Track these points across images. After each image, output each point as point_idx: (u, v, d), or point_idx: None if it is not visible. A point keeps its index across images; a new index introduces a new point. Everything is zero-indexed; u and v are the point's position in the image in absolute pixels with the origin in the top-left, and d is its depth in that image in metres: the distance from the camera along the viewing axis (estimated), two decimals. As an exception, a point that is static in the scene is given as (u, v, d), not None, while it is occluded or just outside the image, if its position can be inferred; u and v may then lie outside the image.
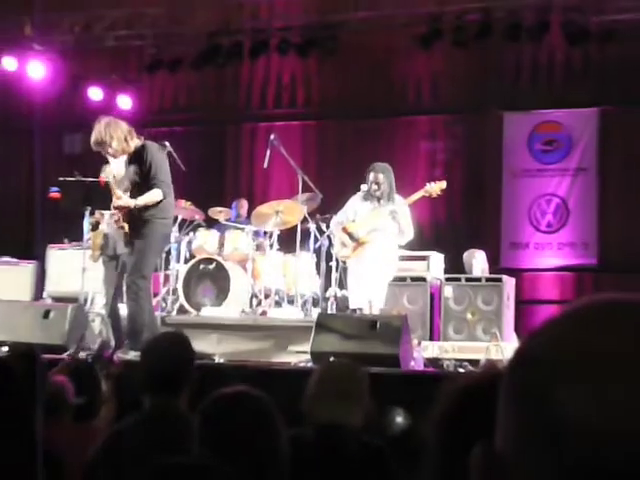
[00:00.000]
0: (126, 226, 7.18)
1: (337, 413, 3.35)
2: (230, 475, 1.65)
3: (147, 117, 12.49)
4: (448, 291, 9.07)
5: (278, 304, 9.14)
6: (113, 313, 7.66)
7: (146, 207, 7.10)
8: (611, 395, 0.69)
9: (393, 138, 12.19)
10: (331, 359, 5.78)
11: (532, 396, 0.72)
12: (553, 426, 0.70)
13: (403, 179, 8.75)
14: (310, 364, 7.04)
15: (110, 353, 7.01)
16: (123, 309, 7.52)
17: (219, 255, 9.26)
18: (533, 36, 10.54)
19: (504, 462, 0.74)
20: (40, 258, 10.17)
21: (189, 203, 9.65)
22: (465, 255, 9.57)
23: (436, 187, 8.29)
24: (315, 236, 9.11)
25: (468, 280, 9.14)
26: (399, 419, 5.31)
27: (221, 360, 7.67)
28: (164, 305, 9.19)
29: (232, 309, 8.91)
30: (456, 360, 8.14)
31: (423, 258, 9.35)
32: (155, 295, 8.37)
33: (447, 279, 9.20)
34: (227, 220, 10.13)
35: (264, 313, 8.92)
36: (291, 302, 9.06)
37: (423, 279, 9.18)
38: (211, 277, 9.18)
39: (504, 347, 8.09)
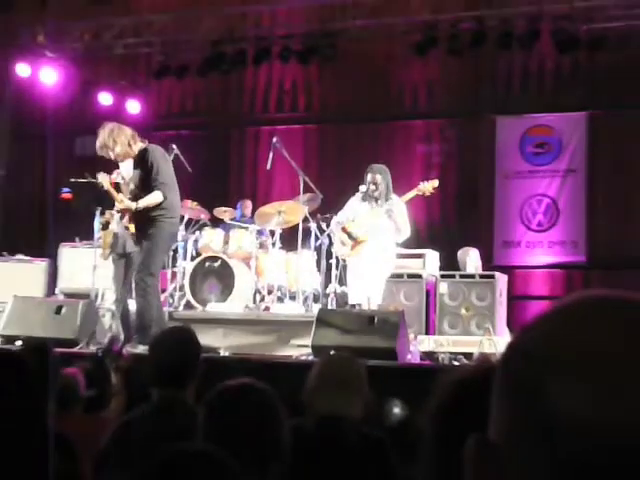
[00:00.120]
0: (131, 227, 7.20)
1: (337, 404, 3.34)
2: (234, 463, 1.64)
3: (155, 121, 12.49)
4: (443, 287, 9.06)
5: (280, 300, 9.14)
6: (123, 309, 7.66)
7: (153, 208, 7.10)
8: (602, 390, 0.68)
9: (391, 141, 12.18)
10: (331, 352, 5.77)
11: (525, 390, 0.72)
12: (546, 420, 0.70)
13: (400, 180, 8.75)
14: (311, 357, 7.03)
15: (120, 347, 7.00)
16: (132, 305, 7.53)
17: (224, 253, 9.25)
18: (525, 44, 10.53)
19: (497, 454, 0.74)
20: (53, 256, 10.16)
21: (195, 203, 9.65)
22: (459, 253, 9.56)
23: (428, 186, 8.37)
24: (316, 235, 9.10)
25: (462, 277, 9.13)
26: (396, 410, 5.30)
27: (226, 353, 7.66)
28: (171, 301, 9.19)
29: (236, 305, 8.91)
30: (451, 353, 8.15)
31: (419, 256, 9.35)
32: (163, 291, 8.37)
33: (442, 276, 9.19)
34: (232, 219, 10.12)
35: (267, 308, 8.92)
36: (293, 298, 9.06)
37: (419, 276, 9.18)
38: (216, 274, 9.18)
39: (497, 341, 8.09)
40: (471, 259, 9.43)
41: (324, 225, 8.98)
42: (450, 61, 11.27)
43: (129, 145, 7.17)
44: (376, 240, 8.12)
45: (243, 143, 13.12)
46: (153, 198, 7.09)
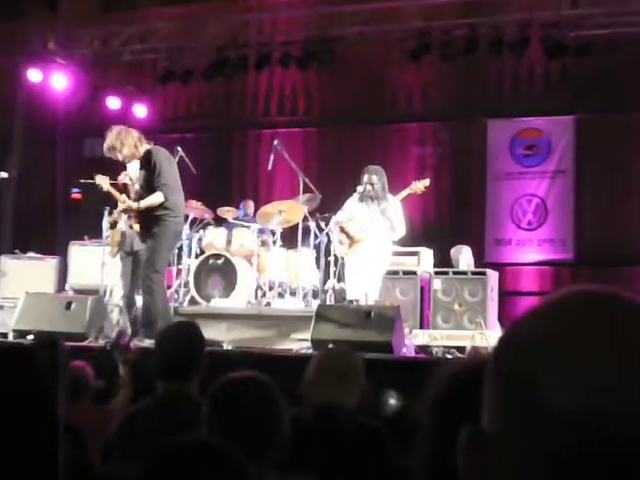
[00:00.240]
0: (136, 226, 7.19)
1: (335, 395, 3.34)
2: (237, 453, 1.64)
3: (161, 124, 12.48)
4: (437, 284, 9.06)
5: (281, 296, 9.13)
6: (130, 304, 7.65)
7: (157, 207, 7.09)
8: (592, 382, 0.68)
9: (386, 143, 12.18)
10: (330, 346, 5.77)
11: (516, 383, 0.71)
12: (537, 412, 0.69)
13: (395, 181, 8.74)
14: (310, 350, 7.03)
15: (127, 341, 7.00)
16: (139, 300, 7.52)
17: (227, 251, 9.25)
18: (515, 50, 10.52)
19: (490, 444, 0.73)
20: (63, 254, 10.16)
21: (199, 203, 9.65)
22: (452, 251, 9.56)
23: (420, 185, 8.46)
24: (315, 233, 9.10)
25: (455, 274, 9.13)
26: (392, 401, 5.30)
27: (229, 347, 7.66)
28: (177, 297, 9.18)
29: (239, 300, 8.90)
30: (444, 347, 8.15)
31: (414, 253, 9.34)
32: (168, 288, 8.36)
33: (436, 273, 9.19)
34: (234, 219, 10.11)
35: (268, 304, 8.91)
36: (293, 294, 9.05)
37: (414, 273, 9.18)
38: (220, 271, 9.17)
39: (488, 335, 8.08)
40: (464, 256, 9.44)
41: (323, 224, 8.98)
42: (444, 67, 11.26)
43: (135, 147, 7.16)
44: (372, 239, 8.13)
45: (245, 145, 13.11)
46: (154, 198, 7.08)
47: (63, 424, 2.03)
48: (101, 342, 7.30)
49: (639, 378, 0.68)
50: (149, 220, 7.12)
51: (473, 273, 9.15)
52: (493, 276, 9.25)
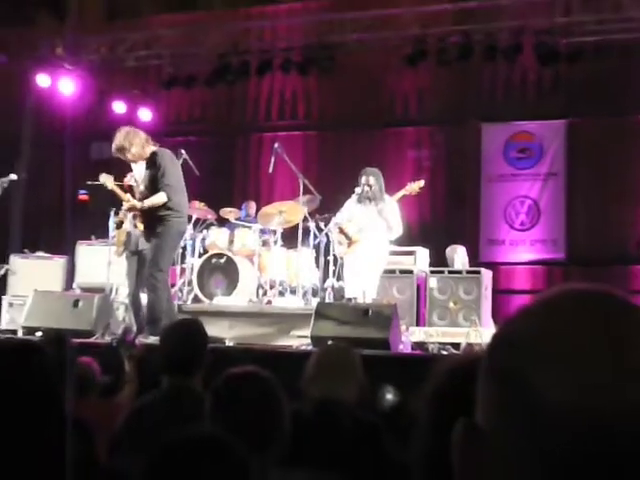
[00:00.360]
0: (141, 226, 7.18)
1: (333, 391, 3.33)
2: (239, 446, 1.64)
3: (165, 128, 12.46)
4: (433, 282, 9.06)
5: (282, 294, 9.13)
6: (135, 302, 7.64)
7: (161, 208, 7.08)
8: (584, 380, 0.67)
9: (384, 146, 12.18)
10: (329, 343, 5.77)
11: (509, 380, 0.71)
12: (530, 409, 0.69)
13: (392, 183, 8.74)
14: (310, 347, 7.02)
15: (132, 337, 6.99)
16: (144, 299, 7.51)
17: (229, 250, 9.25)
18: (508, 56, 10.52)
19: (484, 439, 0.73)
20: (70, 253, 10.15)
21: (202, 204, 9.64)
22: (448, 250, 9.56)
23: (415, 186, 8.47)
24: (314, 234, 9.09)
25: (451, 272, 9.13)
26: (389, 396, 5.30)
27: (231, 344, 7.65)
28: (180, 295, 9.18)
29: (241, 298, 8.90)
30: (440, 344, 8.13)
31: (410, 253, 9.34)
32: (172, 286, 8.36)
33: (432, 272, 9.19)
34: (236, 219, 10.11)
35: (269, 302, 8.91)
36: (293, 292, 9.05)
37: (410, 272, 9.17)
38: (222, 270, 9.17)
39: (482, 332, 8.08)
40: (459, 256, 9.43)
41: (322, 224, 8.98)
42: (439, 72, 11.27)
43: (143, 147, 7.16)
44: (370, 239, 8.14)
45: (247, 149, 13.11)
46: (158, 198, 7.07)
47: (71, 419, 2.03)
48: (107, 339, 7.29)
49: (632, 376, 0.67)
50: (153, 220, 7.11)
51: (468, 272, 9.14)
52: (487, 275, 9.25)
